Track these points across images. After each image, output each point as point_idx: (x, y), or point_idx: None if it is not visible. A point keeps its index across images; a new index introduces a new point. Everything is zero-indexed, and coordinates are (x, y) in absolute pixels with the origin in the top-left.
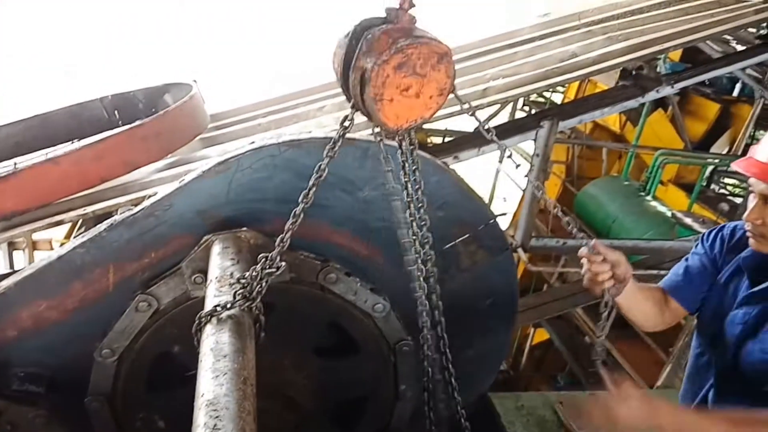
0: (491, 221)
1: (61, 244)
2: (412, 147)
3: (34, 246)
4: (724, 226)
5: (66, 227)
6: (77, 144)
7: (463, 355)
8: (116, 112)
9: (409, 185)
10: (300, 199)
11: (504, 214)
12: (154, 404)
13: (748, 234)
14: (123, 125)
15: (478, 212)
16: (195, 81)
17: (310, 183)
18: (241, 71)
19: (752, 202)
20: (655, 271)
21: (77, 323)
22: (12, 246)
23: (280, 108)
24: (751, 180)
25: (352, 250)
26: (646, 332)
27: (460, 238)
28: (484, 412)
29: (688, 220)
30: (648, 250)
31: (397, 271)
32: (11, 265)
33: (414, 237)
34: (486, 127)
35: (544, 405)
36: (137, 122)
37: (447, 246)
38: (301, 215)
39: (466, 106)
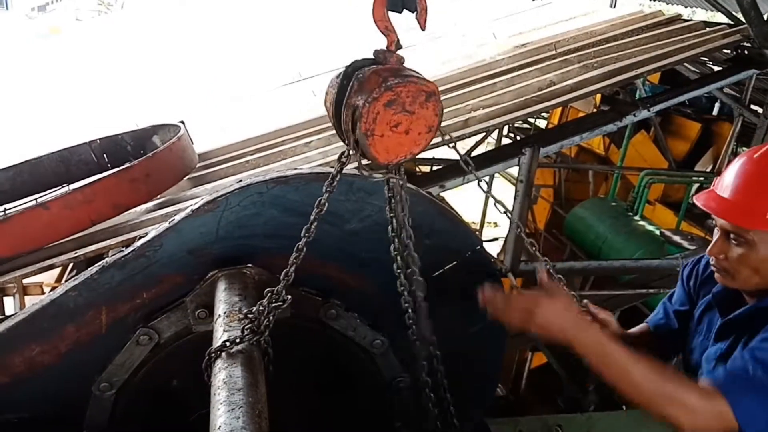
0: (478, 247)
1: (52, 289)
2: (402, 182)
3: (24, 291)
4: (700, 259)
5: (57, 271)
6: (67, 188)
7: (455, 382)
8: (105, 155)
9: (396, 219)
10: (303, 234)
11: (495, 239)
12: None
13: (713, 268)
14: (112, 168)
15: (465, 239)
16: (182, 122)
17: (312, 217)
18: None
19: (716, 235)
20: (644, 290)
21: (70, 366)
22: (2, 291)
23: (267, 145)
24: (712, 214)
25: (341, 282)
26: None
27: (449, 266)
28: None
29: (676, 238)
30: (636, 269)
31: (388, 301)
32: (2, 311)
33: (402, 270)
34: (465, 158)
35: (542, 429)
36: (126, 165)
37: (436, 274)
38: (304, 249)
39: (450, 141)
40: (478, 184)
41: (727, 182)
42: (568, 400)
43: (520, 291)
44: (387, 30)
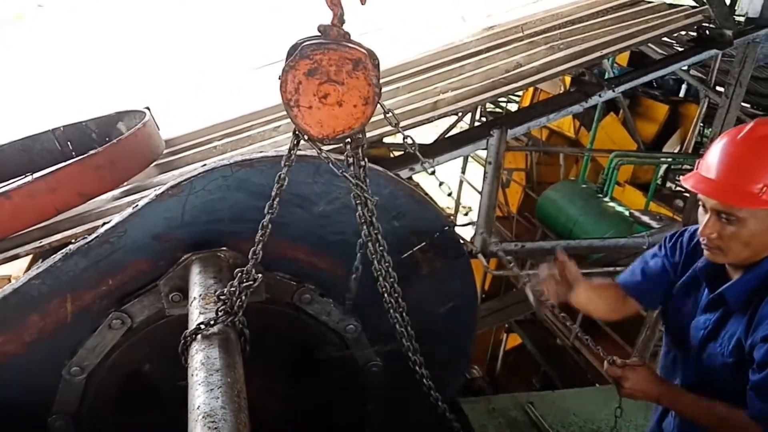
0: (446, 228)
1: None
2: (361, 163)
3: None
4: (684, 231)
5: (24, 263)
6: (30, 177)
7: (428, 360)
8: (69, 143)
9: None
10: (266, 210)
11: (469, 223)
12: (121, 424)
13: (704, 246)
14: (76, 156)
15: (434, 220)
16: (148, 108)
17: (273, 192)
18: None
19: (704, 215)
20: (611, 268)
21: (37, 355)
22: None
23: (235, 130)
24: (701, 195)
25: (311, 265)
26: (612, 329)
27: (418, 247)
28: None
29: (645, 218)
30: (603, 248)
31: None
32: None
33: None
34: (439, 137)
35: (514, 406)
36: (91, 152)
37: (405, 255)
38: (269, 226)
39: (396, 124)
40: (426, 170)
41: (712, 164)
42: (543, 380)
43: (615, 366)
44: (332, 4)
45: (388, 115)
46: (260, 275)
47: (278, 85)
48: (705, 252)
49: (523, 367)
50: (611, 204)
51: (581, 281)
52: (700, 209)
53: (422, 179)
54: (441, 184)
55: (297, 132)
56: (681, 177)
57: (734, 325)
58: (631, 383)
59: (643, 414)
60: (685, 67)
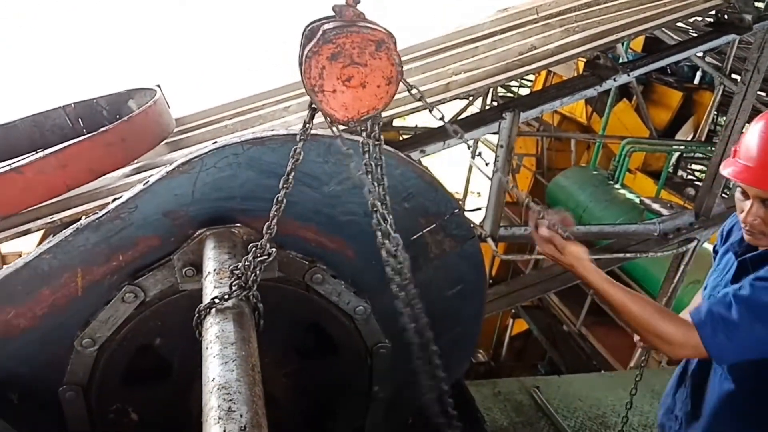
0: (456, 210)
1: None
2: (377, 143)
3: (3, 260)
4: (725, 224)
5: (35, 239)
6: (41, 153)
7: (435, 343)
8: (80, 120)
9: (372, 180)
10: (281, 184)
11: (479, 208)
12: (130, 397)
13: (746, 232)
14: (87, 133)
15: (444, 202)
16: (159, 86)
17: (288, 167)
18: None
19: (743, 201)
20: (621, 254)
21: (48, 329)
22: None
23: (245, 109)
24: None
25: (319, 245)
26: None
27: (427, 229)
28: (460, 400)
29: (655, 206)
30: (614, 234)
31: (366, 264)
32: None
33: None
34: (448, 121)
35: (520, 390)
36: (101, 129)
37: (414, 237)
38: (284, 201)
39: (420, 98)
40: (474, 147)
41: (751, 151)
42: (548, 366)
43: (554, 233)
44: None
45: (413, 91)
46: (274, 249)
47: (299, 71)
48: (746, 237)
49: (528, 352)
50: (622, 191)
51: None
52: (738, 194)
53: (430, 163)
54: (477, 153)
55: (313, 105)
56: (696, 167)
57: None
58: (570, 249)
59: (648, 401)
60: (701, 54)
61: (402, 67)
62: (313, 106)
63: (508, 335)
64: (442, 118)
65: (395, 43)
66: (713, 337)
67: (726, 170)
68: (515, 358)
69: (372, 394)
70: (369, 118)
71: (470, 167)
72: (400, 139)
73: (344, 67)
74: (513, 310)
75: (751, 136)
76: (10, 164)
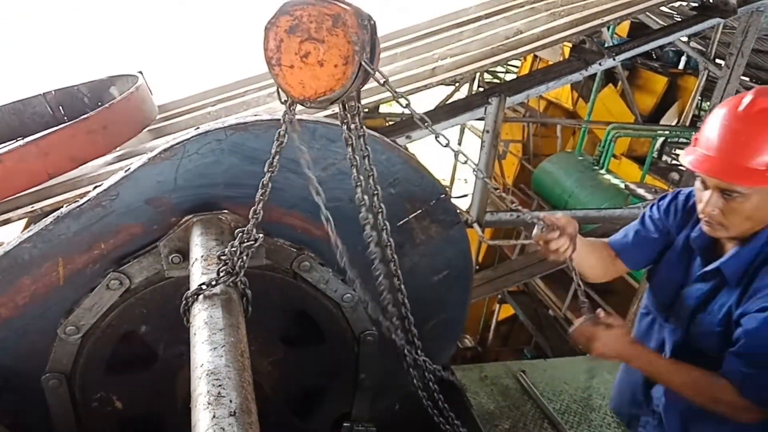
0: (442, 195)
1: None
2: (361, 135)
3: None
4: (677, 194)
5: (18, 229)
6: (21, 141)
7: (421, 329)
8: (60, 107)
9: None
10: (266, 168)
11: (465, 195)
12: (114, 385)
13: (704, 223)
14: (68, 121)
15: (430, 187)
16: (141, 72)
17: (273, 149)
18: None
19: (702, 191)
20: (607, 239)
21: (29, 319)
22: None
23: (229, 96)
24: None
25: (305, 231)
26: (603, 299)
27: (413, 214)
28: (447, 385)
29: (640, 191)
30: (599, 218)
31: (352, 251)
32: None
33: (368, 220)
34: (436, 106)
35: (506, 374)
36: (83, 116)
37: (401, 222)
38: (269, 185)
39: (384, 82)
40: (436, 138)
41: (712, 140)
42: (535, 350)
43: (588, 323)
44: None
45: (376, 75)
46: (261, 235)
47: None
48: (705, 227)
49: (514, 337)
50: (607, 176)
51: (579, 237)
52: (698, 184)
53: (417, 150)
54: (447, 144)
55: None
56: (680, 153)
57: (726, 297)
58: (603, 342)
59: None
60: (685, 39)
61: (370, 49)
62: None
63: (495, 320)
64: (407, 106)
65: (365, 24)
66: (758, 395)
67: (686, 159)
68: (502, 343)
69: (358, 381)
70: (328, 100)
71: (456, 153)
72: (386, 125)
73: (302, 42)
74: (499, 296)
75: (712, 124)
76: None
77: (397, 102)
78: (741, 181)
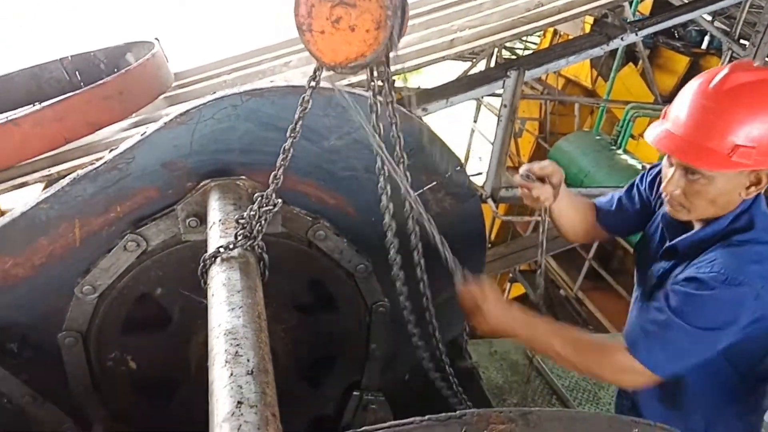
0: (458, 168)
1: None
2: (389, 99)
3: (2, 215)
4: (654, 171)
5: (35, 193)
6: (38, 105)
7: (434, 301)
8: (77, 72)
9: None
10: (288, 133)
11: (480, 173)
12: (128, 345)
13: (666, 204)
14: (85, 86)
15: (445, 160)
16: (157, 39)
17: (297, 115)
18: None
19: (668, 168)
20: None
21: (46, 279)
22: None
23: (245, 64)
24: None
25: (319, 200)
26: (615, 280)
27: (428, 186)
28: (457, 359)
29: None
30: None
31: (365, 220)
32: None
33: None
34: (455, 78)
35: (516, 350)
36: (99, 81)
37: (415, 194)
38: (291, 150)
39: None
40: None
41: (680, 117)
42: None
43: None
44: None
45: (435, 44)
46: (280, 200)
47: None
48: (667, 208)
49: None
50: (624, 157)
51: (564, 188)
52: (665, 160)
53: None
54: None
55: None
56: (646, 133)
57: (678, 273)
58: (487, 311)
59: None
60: (709, 18)
61: (402, 12)
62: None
63: (506, 299)
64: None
65: None
66: (648, 356)
67: (649, 134)
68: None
69: (369, 351)
70: (359, 65)
71: (472, 131)
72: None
73: (333, 7)
74: (510, 275)
75: (682, 100)
76: (7, 116)
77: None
78: (702, 163)
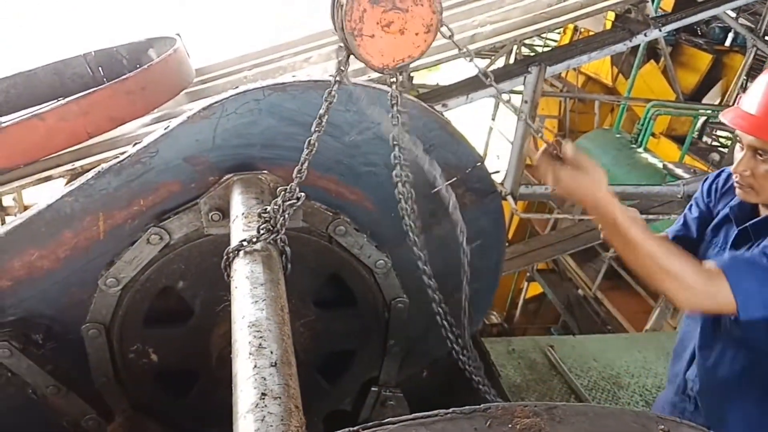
0: (479, 163)
1: None
2: (400, 90)
3: (26, 209)
4: (721, 172)
5: (59, 187)
6: (63, 101)
7: (452, 298)
8: (100, 68)
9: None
10: (314, 128)
11: (497, 171)
12: (151, 338)
13: (736, 185)
14: (108, 82)
15: (466, 155)
16: (179, 35)
17: (322, 110)
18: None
19: (740, 153)
20: (643, 216)
21: (70, 271)
22: (4, 211)
23: (266, 60)
24: (738, 132)
25: (339, 195)
26: (635, 280)
27: (448, 182)
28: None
29: (679, 171)
30: (637, 195)
31: (385, 216)
32: None
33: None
34: (484, 71)
35: (534, 349)
36: (122, 77)
37: (435, 189)
38: (316, 144)
39: (465, 54)
40: (494, 108)
41: (754, 99)
42: (562, 329)
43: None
44: None
45: (452, 38)
46: (303, 194)
47: (332, 15)
48: (737, 191)
49: (542, 316)
50: (645, 155)
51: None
52: (737, 146)
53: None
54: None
55: (347, 46)
56: (721, 113)
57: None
58: (583, 180)
59: (663, 363)
60: (734, 15)
61: (442, 15)
62: (347, 46)
63: (523, 298)
64: (485, 75)
65: None
66: (740, 282)
67: (725, 116)
68: (528, 320)
69: (387, 347)
70: (404, 66)
71: (490, 129)
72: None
73: (385, 12)
74: (528, 273)
75: (757, 86)
76: (32, 111)
77: (481, 77)
78: None
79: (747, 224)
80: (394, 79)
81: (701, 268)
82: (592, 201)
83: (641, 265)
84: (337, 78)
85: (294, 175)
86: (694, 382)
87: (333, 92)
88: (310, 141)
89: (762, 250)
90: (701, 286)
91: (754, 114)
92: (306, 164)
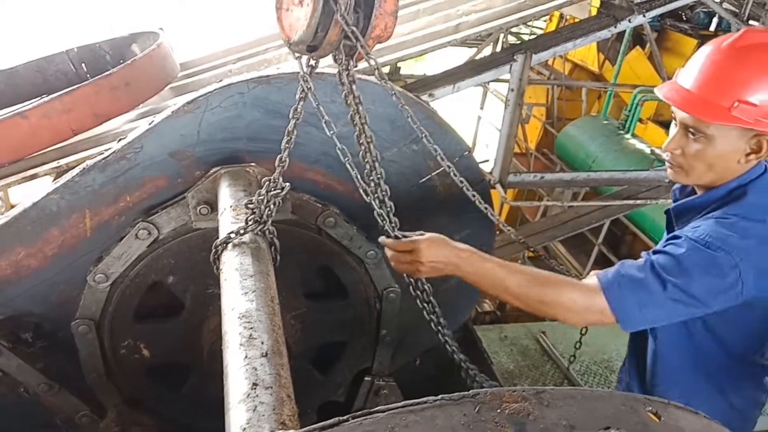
0: (466, 153)
1: None
2: (351, 79)
3: (12, 208)
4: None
5: (44, 186)
6: (46, 98)
7: (442, 287)
8: (83, 64)
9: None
10: (291, 115)
11: (486, 160)
12: (141, 333)
13: (667, 164)
14: (91, 78)
15: (453, 145)
16: (162, 29)
17: (297, 96)
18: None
19: (674, 129)
20: (631, 201)
21: (58, 269)
22: None
23: (250, 53)
24: (674, 108)
25: (328, 187)
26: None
27: (436, 171)
28: (468, 344)
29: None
30: (624, 180)
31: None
32: None
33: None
34: (461, 64)
35: (526, 335)
36: (105, 73)
37: (423, 179)
38: (295, 131)
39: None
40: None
41: (691, 73)
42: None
43: (399, 243)
44: None
45: (440, 29)
46: (287, 184)
47: None
48: (668, 170)
49: None
50: (632, 141)
51: None
52: (672, 123)
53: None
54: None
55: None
56: (656, 87)
57: None
58: (429, 253)
59: None
60: None
61: None
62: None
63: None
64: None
65: None
66: (620, 304)
67: (660, 90)
68: (520, 308)
69: (380, 337)
70: (297, 43)
71: (479, 118)
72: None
73: None
74: (519, 261)
75: (695, 60)
76: (14, 109)
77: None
78: (703, 115)
79: (675, 205)
80: (341, 64)
81: (580, 288)
82: (455, 261)
83: (522, 303)
84: (310, 64)
85: (276, 164)
86: (660, 380)
87: (306, 77)
88: (288, 129)
89: (651, 262)
90: (581, 308)
91: (688, 89)
92: (286, 153)
